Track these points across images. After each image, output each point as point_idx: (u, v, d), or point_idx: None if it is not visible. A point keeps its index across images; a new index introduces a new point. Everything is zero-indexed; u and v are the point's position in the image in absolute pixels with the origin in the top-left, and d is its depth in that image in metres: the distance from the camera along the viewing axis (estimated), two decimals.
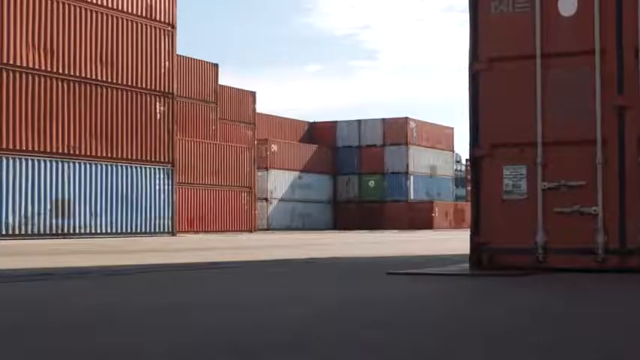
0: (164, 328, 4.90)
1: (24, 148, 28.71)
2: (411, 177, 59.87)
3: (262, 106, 57.64)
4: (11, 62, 28.27)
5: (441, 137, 63.95)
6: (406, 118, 60.12)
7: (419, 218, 58.11)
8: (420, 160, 60.91)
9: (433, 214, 59.30)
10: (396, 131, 59.65)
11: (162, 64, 33.66)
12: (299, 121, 61.93)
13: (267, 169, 52.57)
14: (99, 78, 31.20)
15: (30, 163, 28.88)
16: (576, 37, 9.59)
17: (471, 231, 10.06)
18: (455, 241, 24.25)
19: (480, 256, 9.80)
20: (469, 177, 78.34)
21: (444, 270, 9.90)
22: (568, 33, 9.64)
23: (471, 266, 9.81)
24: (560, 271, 9.17)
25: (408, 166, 59.49)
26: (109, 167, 31.50)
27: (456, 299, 7.00)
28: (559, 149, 9.56)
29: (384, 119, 60.39)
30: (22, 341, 4.37)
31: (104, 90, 31.37)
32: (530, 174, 9.66)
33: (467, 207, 66.52)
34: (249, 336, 4.54)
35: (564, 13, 9.64)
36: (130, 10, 32.35)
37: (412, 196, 60.06)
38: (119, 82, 31.91)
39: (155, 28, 33.43)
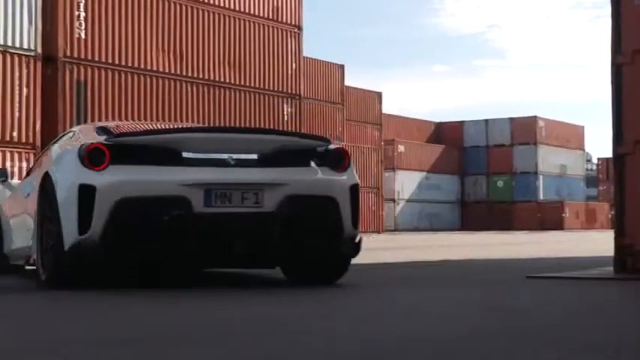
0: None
1: None
2: (540, 177, 58.86)
3: (388, 107, 57.54)
4: (142, 66, 28.67)
5: (571, 136, 62.67)
6: (535, 116, 59.11)
7: (549, 219, 57.08)
8: (550, 159, 59.80)
9: (564, 215, 58.17)
10: (525, 130, 58.72)
11: (289, 66, 33.71)
12: (425, 121, 61.51)
13: (394, 169, 52.32)
14: (227, 81, 31.43)
15: None
16: None
17: (615, 232, 9.61)
18: (593, 243, 23.58)
19: (625, 259, 9.34)
20: (601, 176, 76.95)
21: (587, 274, 9.48)
22: None
23: (615, 270, 9.36)
24: None
25: (537, 165, 58.48)
26: None
27: (605, 306, 6.62)
28: None
29: (511, 118, 59.52)
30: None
31: (232, 92, 31.58)
32: None
33: (598, 207, 65.13)
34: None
35: None
36: (256, 13, 32.50)
37: (542, 196, 59.01)
38: (247, 84, 32.08)
39: (282, 30, 33.50)
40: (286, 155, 7.66)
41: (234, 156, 7.49)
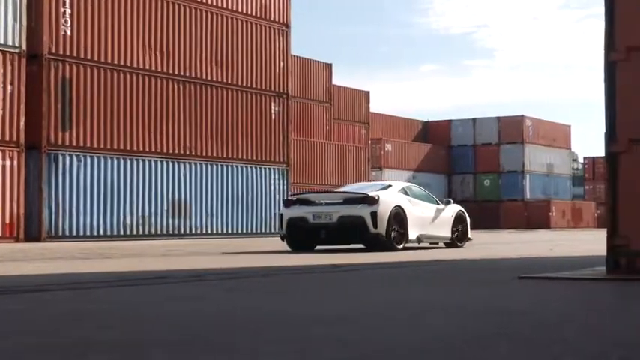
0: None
1: (141, 150, 28.93)
2: (527, 176, 58.88)
3: (376, 106, 57.42)
4: (128, 64, 28.52)
5: (558, 135, 62.72)
6: (522, 116, 59.13)
7: (535, 218, 57.15)
8: (536, 158, 59.86)
9: (550, 214, 58.23)
10: (512, 130, 58.73)
11: (277, 64, 33.58)
12: (413, 120, 61.45)
13: (381, 168, 52.25)
14: (214, 79, 31.29)
15: (147, 164, 29.10)
16: None
17: (607, 232, 9.48)
18: (583, 243, 23.57)
19: (618, 258, 9.21)
20: (587, 176, 77.10)
21: (580, 274, 9.34)
22: None
23: (607, 270, 9.23)
24: None
25: (524, 164, 58.48)
26: (225, 168, 31.56)
27: (598, 306, 6.49)
28: None
29: (499, 117, 59.52)
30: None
31: (219, 90, 31.44)
32: None
33: (585, 206, 65.24)
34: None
35: None
36: (244, 11, 32.36)
37: (528, 196, 59.05)
38: (234, 82, 31.95)
39: (270, 28, 33.38)
40: (345, 201, 17.43)
41: (324, 201, 17.60)
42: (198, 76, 30.72)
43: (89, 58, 27.39)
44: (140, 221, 28.91)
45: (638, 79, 9.31)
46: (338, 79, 54.06)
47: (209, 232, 30.86)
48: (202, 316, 5.71)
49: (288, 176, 33.94)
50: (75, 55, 26.92)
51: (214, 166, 31.24)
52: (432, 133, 60.77)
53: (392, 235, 16.96)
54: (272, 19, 33.47)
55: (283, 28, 33.87)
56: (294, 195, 19.72)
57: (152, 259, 13.97)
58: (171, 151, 29.85)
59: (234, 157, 31.93)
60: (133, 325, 5.19)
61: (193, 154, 30.54)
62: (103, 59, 27.81)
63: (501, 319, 5.42)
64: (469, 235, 19.47)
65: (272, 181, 33.30)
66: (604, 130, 9.59)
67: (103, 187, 27.89)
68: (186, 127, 30.30)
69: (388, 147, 53.36)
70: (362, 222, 16.67)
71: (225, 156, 31.59)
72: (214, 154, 31.23)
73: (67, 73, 26.72)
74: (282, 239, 17.61)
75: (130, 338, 4.53)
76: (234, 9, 31.97)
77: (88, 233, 27.34)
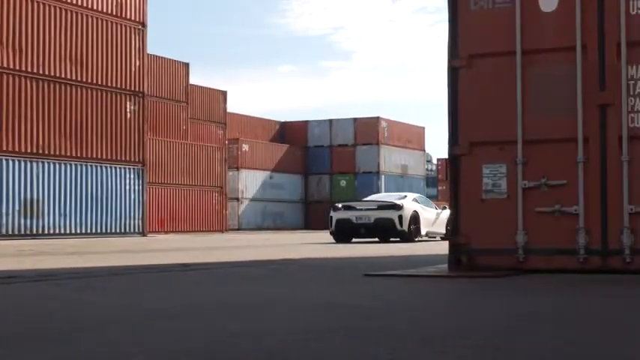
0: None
1: None
2: (382, 176, 59.69)
3: (234, 106, 57.39)
4: None
5: (412, 137, 63.83)
6: (377, 117, 59.95)
7: None
8: (392, 159, 60.76)
9: None
10: (368, 131, 59.45)
11: (133, 63, 33.32)
12: (270, 120, 61.65)
13: (238, 168, 52.27)
14: (69, 77, 30.84)
15: None
16: (557, 34, 9.42)
17: (450, 231, 9.88)
18: (431, 243, 24.22)
19: (460, 256, 9.62)
20: (440, 177, 78.74)
21: (422, 271, 9.71)
22: (549, 29, 9.47)
23: (450, 267, 9.62)
24: (541, 272, 9.01)
25: (379, 165, 59.31)
26: (79, 167, 31.15)
27: (436, 302, 6.81)
28: (540, 147, 9.38)
29: (355, 119, 60.19)
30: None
31: (74, 89, 31.00)
32: (511, 173, 9.48)
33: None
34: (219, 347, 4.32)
35: (545, 9, 9.47)
36: (99, 9, 32.00)
37: None
38: (89, 81, 31.55)
39: (125, 26, 33.09)
40: (379, 207, 24.26)
41: (364, 207, 24.54)
42: (52, 73, 30.24)
43: None
44: None
45: (479, 85, 9.74)
46: (195, 79, 54.00)
47: (63, 232, 30.40)
48: (48, 312, 5.78)
49: (143, 176, 33.71)
50: None
51: (68, 166, 30.79)
52: (289, 133, 61.09)
53: (412, 232, 23.96)
54: (128, 17, 33.18)
55: (139, 26, 33.63)
56: (340, 202, 26.09)
57: (1, 259, 13.78)
58: (23, 150, 29.30)
59: (89, 156, 31.54)
60: None
61: (47, 153, 30.05)
62: None
63: (339, 313, 5.66)
64: None
65: (127, 181, 33.02)
66: (447, 133, 10.00)
67: None
68: (39, 125, 29.78)
69: (245, 147, 53.44)
70: (392, 222, 23.65)
71: (79, 155, 31.17)
72: (68, 153, 30.79)
73: None
74: (331, 235, 24.49)
75: None
76: (89, 6, 31.57)
77: None
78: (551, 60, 9.46)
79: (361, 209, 24.42)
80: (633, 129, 9.06)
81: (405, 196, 25.65)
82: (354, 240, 24.35)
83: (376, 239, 24.27)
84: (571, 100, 9.25)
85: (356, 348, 4.15)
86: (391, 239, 24.00)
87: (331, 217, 24.63)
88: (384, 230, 23.86)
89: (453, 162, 9.86)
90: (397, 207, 23.79)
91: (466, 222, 9.66)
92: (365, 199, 28.32)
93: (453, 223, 9.81)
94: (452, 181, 9.91)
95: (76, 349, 4.16)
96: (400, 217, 23.54)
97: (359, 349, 4.12)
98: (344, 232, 24.10)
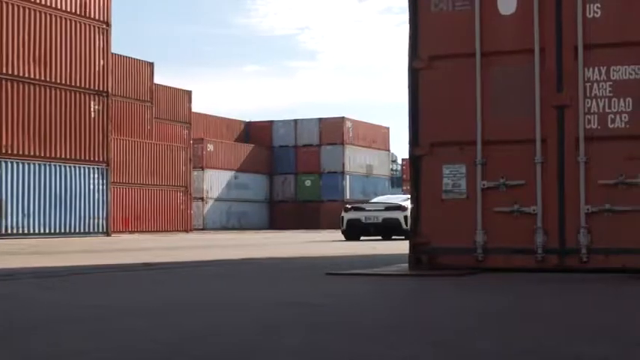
0: (80, 336, 4.73)
1: None
2: (347, 176, 59.85)
3: (199, 106, 57.29)
4: None
5: (377, 137, 64.04)
6: (342, 117, 60.11)
7: None
8: (356, 159, 60.93)
9: None
10: (333, 131, 59.58)
11: (97, 63, 33.21)
12: (235, 120, 61.63)
13: (202, 168, 52.25)
14: (32, 76, 30.69)
15: None
16: (516, 36, 9.56)
17: (411, 231, 9.99)
18: (403, 242, 24.32)
19: (420, 256, 9.72)
20: (405, 176, 78.99)
21: (383, 270, 9.80)
22: (508, 32, 9.60)
23: (410, 266, 9.73)
24: (499, 271, 9.13)
25: (344, 165, 59.46)
26: (43, 167, 31.01)
27: (395, 300, 6.90)
28: (499, 148, 9.52)
29: (320, 119, 60.32)
30: None
31: (37, 88, 30.86)
32: (470, 173, 9.60)
33: None
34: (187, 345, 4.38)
35: (504, 11, 9.60)
36: (63, 8, 31.86)
37: (348, 196, 60.03)
38: (53, 80, 31.41)
39: (89, 25, 32.97)
40: (386, 208, 26.52)
41: (372, 208, 26.94)
42: (15, 73, 30.08)
43: None
44: None
45: (440, 86, 9.85)
46: (160, 79, 53.78)
47: (26, 232, 30.25)
48: (2, 311, 5.82)
49: (108, 175, 33.61)
50: None
51: (31, 165, 30.64)
52: (254, 133, 61.12)
53: None
54: (92, 16, 33.06)
55: (104, 26, 33.52)
56: (350, 203, 29.59)
57: None
58: None
59: (53, 155, 31.39)
60: None
61: (10, 152, 29.88)
62: None
63: (299, 311, 5.74)
64: None
65: (91, 180, 32.90)
66: (408, 134, 10.10)
67: None
68: (2, 125, 29.59)
69: (210, 147, 53.42)
70: (398, 222, 25.79)
71: (43, 155, 31.03)
72: (32, 153, 30.63)
73: None
74: (343, 233, 26.69)
75: None
76: (53, 5, 31.44)
77: None
78: (510, 62, 9.60)
79: (370, 210, 26.88)
80: (590, 130, 9.21)
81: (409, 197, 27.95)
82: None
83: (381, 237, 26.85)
84: (529, 101, 9.38)
85: (309, 342, 4.22)
86: (393, 237, 26.28)
87: (342, 217, 26.92)
88: (391, 229, 26.24)
89: (413, 162, 9.97)
90: (403, 208, 25.27)
91: (427, 222, 9.77)
92: (372, 200, 30.75)
93: (413, 223, 9.91)
94: (413, 181, 10.02)
95: (25, 347, 4.21)
96: (406, 218, 24.25)
97: (313, 342, 4.20)
98: (354, 231, 26.42)
